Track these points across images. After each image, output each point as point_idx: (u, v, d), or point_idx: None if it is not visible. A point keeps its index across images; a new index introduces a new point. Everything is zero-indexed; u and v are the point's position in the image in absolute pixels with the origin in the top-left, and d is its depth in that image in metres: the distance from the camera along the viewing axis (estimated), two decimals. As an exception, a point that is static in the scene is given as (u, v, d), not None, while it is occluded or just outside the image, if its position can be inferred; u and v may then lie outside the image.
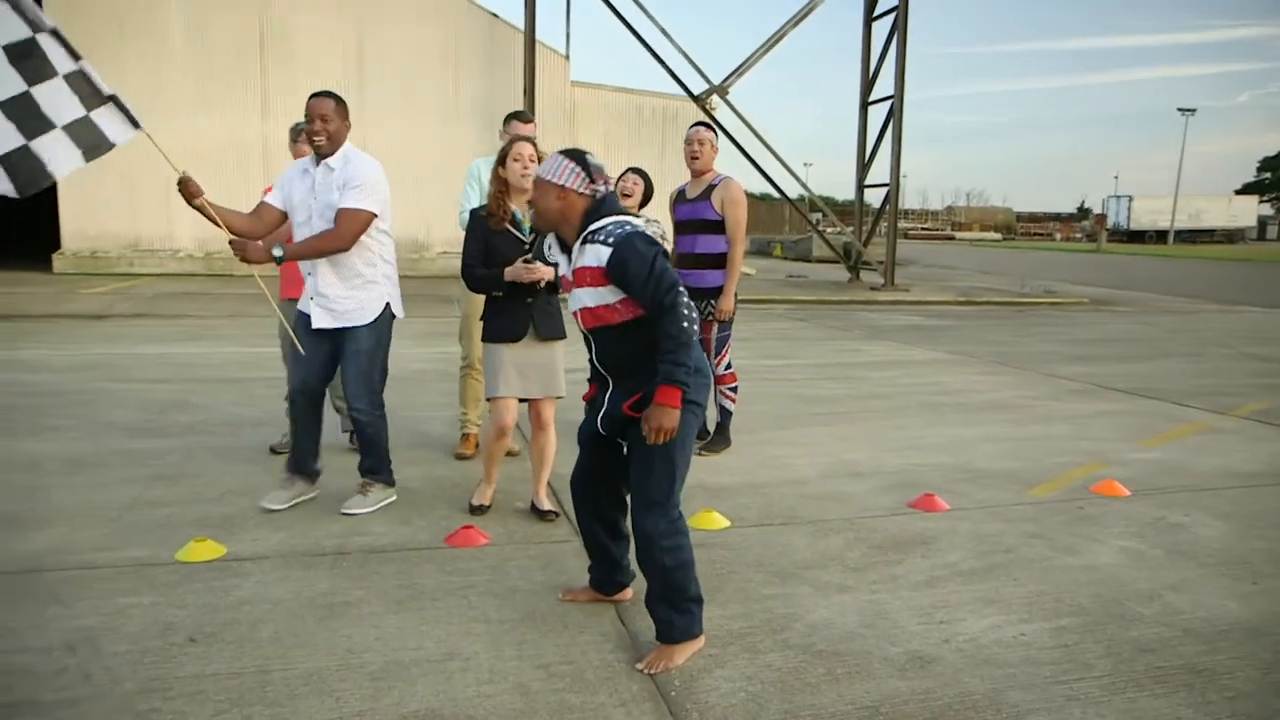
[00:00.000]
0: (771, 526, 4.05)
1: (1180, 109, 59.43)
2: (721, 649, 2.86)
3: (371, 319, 3.98)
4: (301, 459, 4.13)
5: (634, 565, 2.97)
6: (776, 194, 20.83)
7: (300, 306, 4.07)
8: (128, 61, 16.18)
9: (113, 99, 3.72)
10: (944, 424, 6.21)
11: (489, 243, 3.99)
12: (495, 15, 18.46)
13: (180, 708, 2.42)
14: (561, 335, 4.09)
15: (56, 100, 3.56)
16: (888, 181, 18.06)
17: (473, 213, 4.13)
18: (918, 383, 7.85)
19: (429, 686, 2.58)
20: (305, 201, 3.89)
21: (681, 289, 2.68)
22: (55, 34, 3.58)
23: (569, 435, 4.61)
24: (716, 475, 4.84)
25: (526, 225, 3.99)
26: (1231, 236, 62.06)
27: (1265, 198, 76.49)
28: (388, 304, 4.04)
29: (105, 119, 3.68)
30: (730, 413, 5.41)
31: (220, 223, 3.81)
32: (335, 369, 4.09)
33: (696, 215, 5.23)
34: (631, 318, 2.77)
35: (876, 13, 18.50)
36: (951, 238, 66.69)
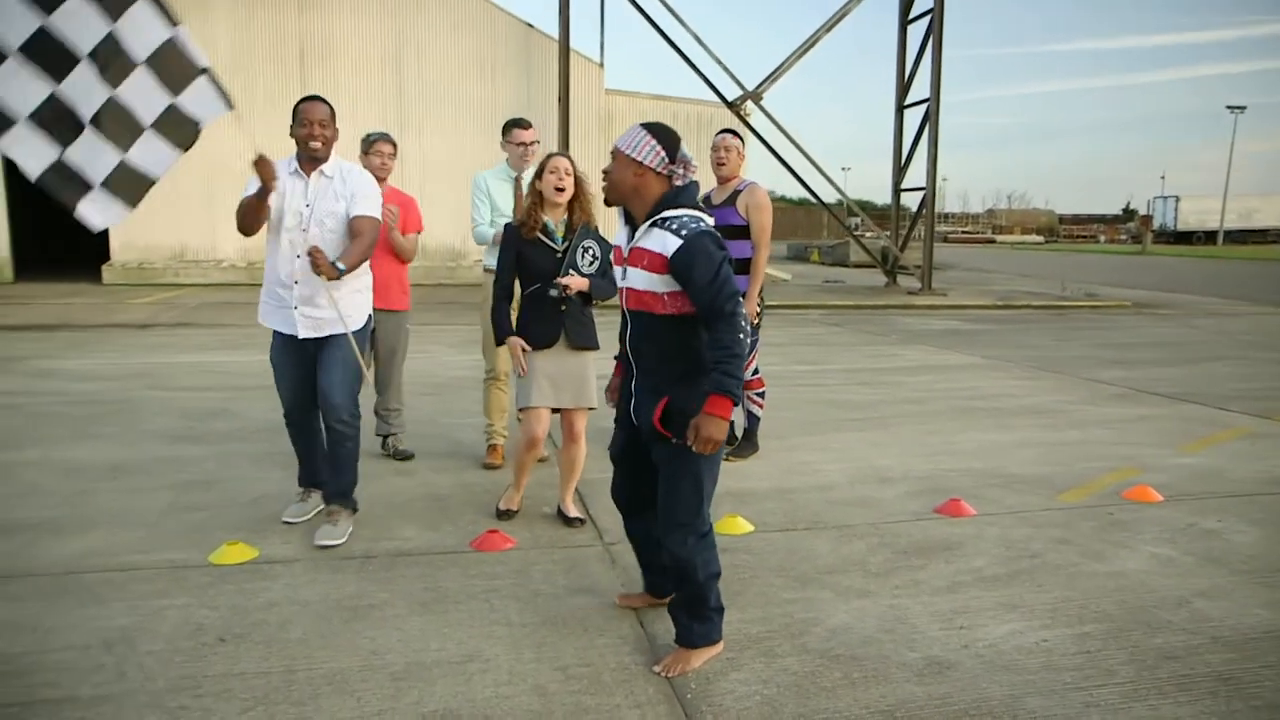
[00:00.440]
0: (795, 532, 4.05)
1: (1229, 106, 58.17)
2: (739, 652, 2.88)
3: (358, 326, 3.92)
4: (312, 473, 4.13)
5: None
6: (813, 199, 20.76)
7: (273, 325, 3.91)
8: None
9: (206, 72, 3.40)
10: (976, 429, 6.15)
11: (521, 252, 4.04)
12: (530, 25, 18.66)
13: (208, 705, 2.50)
14: (593, 345, 4.12)
15: (141, 95, 3.30)
16: (924, 185, 17.91)
17: (506, 225, 4.20)
18: (951, 388, 7.78)
19: (448, 687, 2.63)
20: (297, 208, 3.76)
21: (741, 300, 2.65)
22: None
23: (600, 442, 4.67)
24: (743, 481, 4.85)
25: (559, 235, 4.04)
26: (1287, 236, 60.45)
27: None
28: (370, 314, 4.05)
29: (194, 98, 3.40)
30: (758, 418, 5.41)
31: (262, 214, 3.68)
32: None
33: (722, 221, 5.24)
34: (675, 313, 2.73)
35: (911, 15, 18.37)
36: (992, 241, 65.78)
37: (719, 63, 17.41)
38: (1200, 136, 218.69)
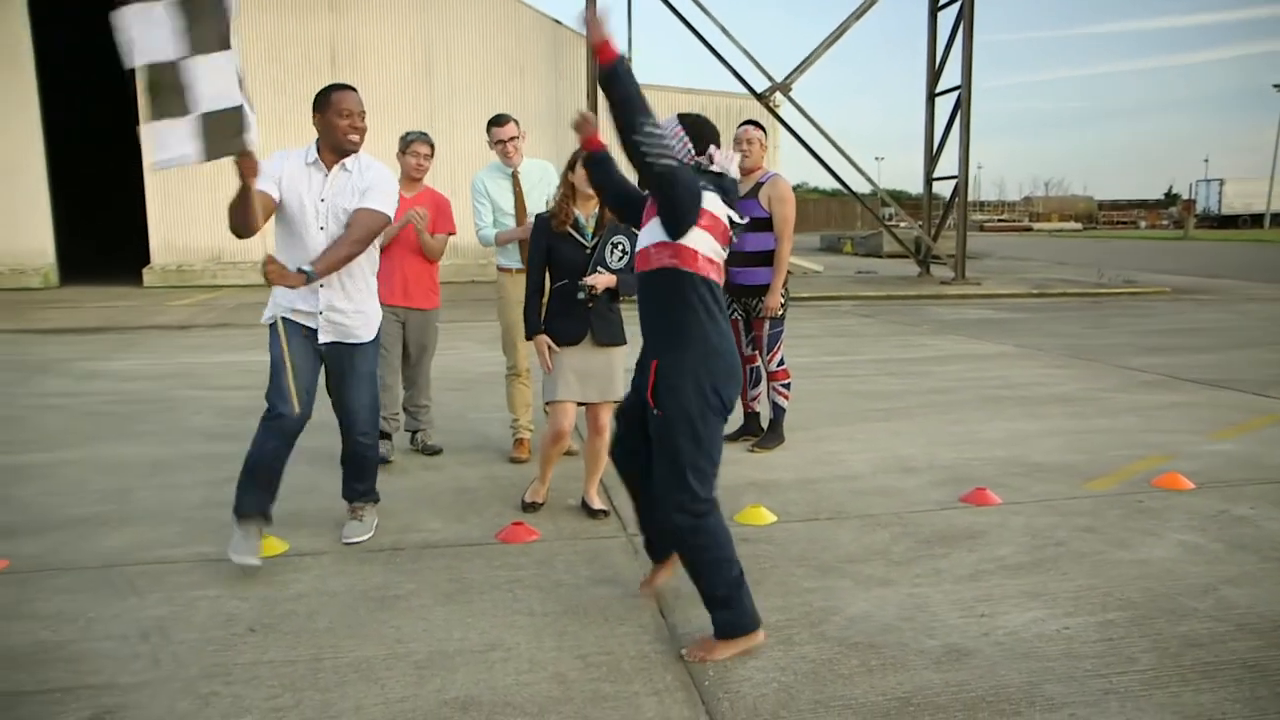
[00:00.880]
0: (818, 521, 4.07)
1: (1276, 85, 56.72)
2: (757, 641, 2.90)
3: (375, 333, 3.71)
4: (268, 499, 3.60)
5: None
6: (845, 190, 20.62)
7: (284, 314, 3.54)
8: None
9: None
10: (1004, 418, 6.11)
11: (550, 245, 4.07)
12: (558, 22, 18.74)
13: (238, 692, 2.58)
14: (620, 341, 4.15)
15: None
16: (957, 174, 17.70)
17: (537, 216, 4.22)
18: (981, 377, 7.72)
19: (470, 675, 2.69)
20: (313, 203, 3.47)
21: (665, 159, 2.64)
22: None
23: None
24: (768, 471, 4.87)
25: (589, 230, 4.07)
26: (1340, 218, 58.78)
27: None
28: (379, 327, 3.76)
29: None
30: (783, 410, 5.42)
31: (255, 213, 3.26)
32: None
33: (745, 213, 5.23)
34: (656, 266, 2.78)
35: (941, 2, 18.17)
36: (1029, 229, 64.75)
37: (747, 55, 17.35)
38: (1245, 117, 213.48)
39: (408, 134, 5.07)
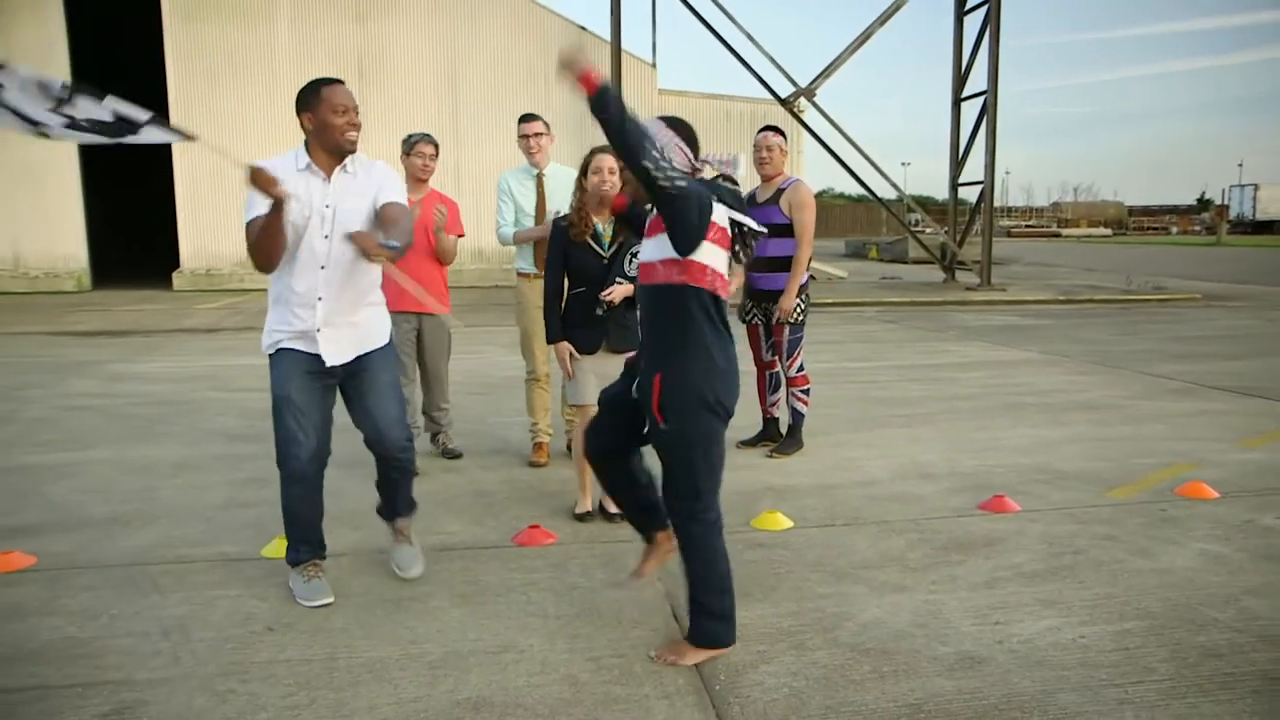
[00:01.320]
0: (834, 527, 4.06)
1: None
2: (769, 645, 2.90)
3: (387, 339, 3.38)
4: (319, 535, 3.40)
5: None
6: (870, 196, 20.53)
7: (287, 344, 3.20)
8: (244, 93, 17.24)
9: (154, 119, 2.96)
10: (1026, 425, 6.05)
11: (567, 253, 4.07)
12: (583, 28, 18.84)
13: (254, 689, 2.62)
14: (636, 348, 4.16)
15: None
16: (983, 179, 17.57)
17: (554, 221, 4.23)
18: (1005, 384, 7.66)
19: (483, 676, 2.71)
20: (317, 211, 3.14)
21: (678, 181, 2.62)
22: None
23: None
24: (786, 477, 4.86)
25: (606, 240, 4.07)
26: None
27: None
28: (390, 331, 3.45)
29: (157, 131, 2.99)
30: (803, 415, 5.40)
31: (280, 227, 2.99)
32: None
33: (766, 219, 5.24)
34: (665, 281, 2.77)
35: (968, 6, 18.06)
36: (1057, 234, 64.11)
37: (771, 60, 17.34)
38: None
39: (411, 135, 5.04)
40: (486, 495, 4.58)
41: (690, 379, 2.74)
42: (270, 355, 3.25)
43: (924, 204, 27.41)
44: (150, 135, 2.91)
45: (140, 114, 2.91)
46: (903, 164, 69.12)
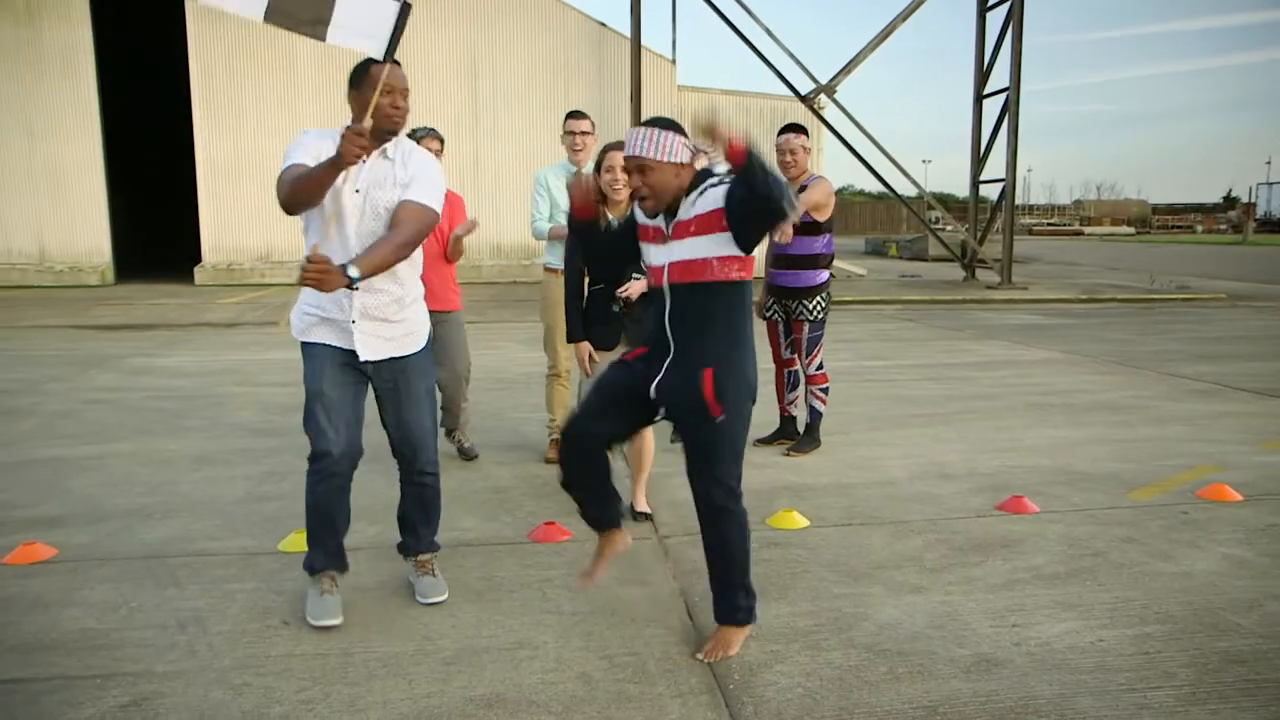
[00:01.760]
0: (851, 527, 4.03)
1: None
2: (784, 645, 2.89)
3: (425, 343, 3.20)
4: (339, 547, 3.20)
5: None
6: (890, 193, 20.41)
7: (318, 338, 3.05)
8: (265, 90, 17.36)
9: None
10: (1047, 425, 6.00)
11: (588, 254, 4.06)
12: (603, 24, 18.81)
13: (269, 683, 2.64)
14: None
15: None
16: (1004, 177, 17.43)
17: (569, 218, 4.22)
18: (1025, 383, 7.59)
19: (497, 673, 2.71)
20: (348, 195, 2.94)
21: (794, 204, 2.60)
22: None
23: (661, 436, 4.72)
24: (802, 476, 4.84)
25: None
26: None
27: None
28: (429, 331, 3.27)
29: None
30: (820, 414, 5.37)
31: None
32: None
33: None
34: (722, 279, 2.74)
35: (991, 2, 17.91)
36: (1080, 233, 63.48)
37: (792, 56, 17.27)
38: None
39: (416, 130, 4.91)
40: (502, 491, 4.59)
41: (746, 373, 2.83)
42: (303, 345, 3.08)
43: (944, 202, 27.20)
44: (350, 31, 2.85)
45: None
46: (923, 161, 69.06)
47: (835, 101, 17.50)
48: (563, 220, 5.10)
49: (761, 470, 4.84)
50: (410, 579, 3.34)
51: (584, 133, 5.05)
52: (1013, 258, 17.63)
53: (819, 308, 5.25)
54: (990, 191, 18.82)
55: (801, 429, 5.43)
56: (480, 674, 2.71)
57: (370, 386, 3.13)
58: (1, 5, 17.04)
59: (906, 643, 2.91)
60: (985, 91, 18.10)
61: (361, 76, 2.95)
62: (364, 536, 3.86)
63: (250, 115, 17.60)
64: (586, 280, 4.14)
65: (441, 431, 5.29)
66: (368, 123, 2.80)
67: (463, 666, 2.75)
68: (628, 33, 17.27)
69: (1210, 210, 78.95)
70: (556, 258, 5.15)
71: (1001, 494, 4.45)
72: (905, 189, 18.52)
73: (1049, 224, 70.31)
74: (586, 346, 4.08)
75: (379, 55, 2.89)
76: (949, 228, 23.26)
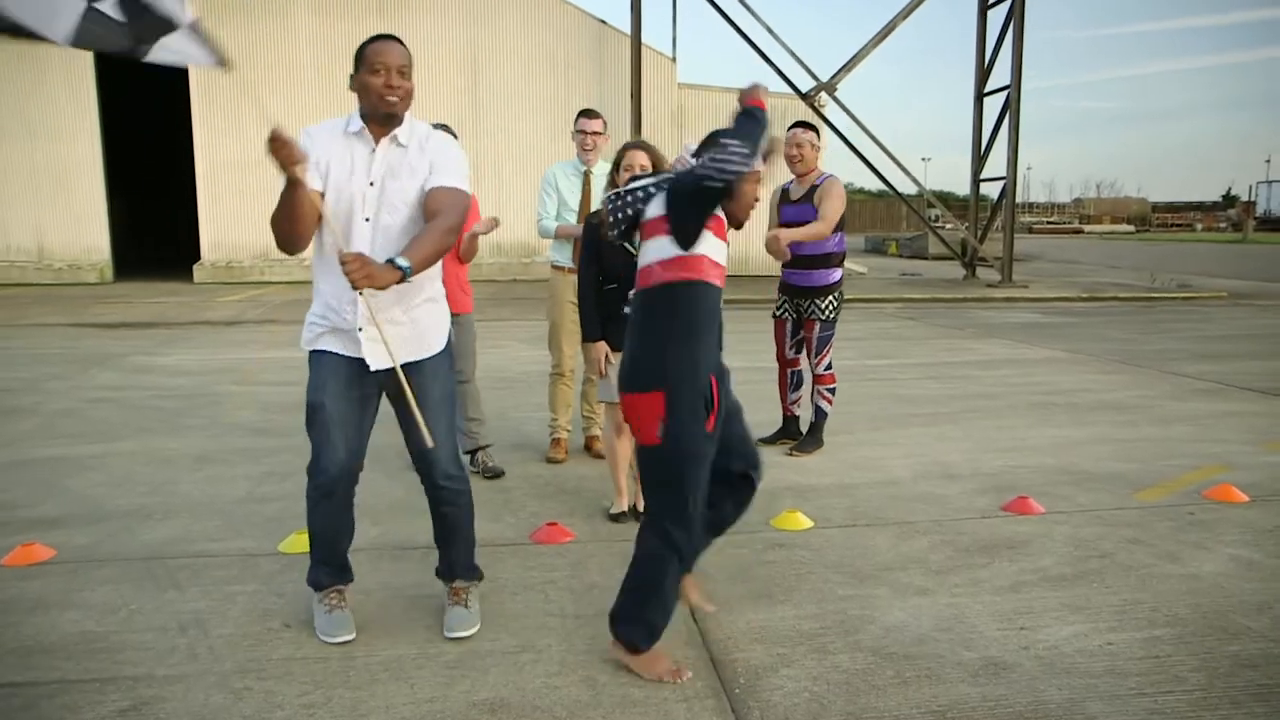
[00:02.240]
0: (856, 528, 4.01)
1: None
2: (790, 648, 2.86)
3: (445, 344, 2.98)
4: (344, 563, 3.05)
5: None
6: (890, 191, 20.38)
7: (320, 346, 2.87)
8: (266, 87, 17.32)
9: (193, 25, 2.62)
10: (1051, 425, 5.97)
11: (599, 250, 4.04)
12: (603, 21, 18.77)
13: (270, 687, 2.61)
14: None
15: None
16: (1005, 175, 17.40)
17: (587, 222, 4.19)
18: (1028, 382, 7.56)
19: (500, 676, 2.69)
20: (360, 187, 2.74)
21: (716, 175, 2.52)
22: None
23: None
24: (806, 476, 4.81)
25: (638, 238, 4.02)
26: None
27: None
28: (450, 332, 3.07)
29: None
30: (826, 414, 5.34)
31: (298, 213, 2.66)
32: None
33: (802, 217, 5.17)
34: (658, 282, 2.68)
35: (992, 0, 17.86)
36: (1080, 231, 63.48)
37: (792, 54, 17.23)
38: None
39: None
40: (504, 491, 4.56)
41: (686, 397, 2.72)
42: (310, 354, 2.88)
43: (944, 200, 27.17)
44: (171, 51, 2.57)
45: (182, 13, 2.54)
46: (923, 159, 68.98)
47: (836, 99, 17.46)
48: (570, 219, 5.06)
49: (765, 470, 4.80)
50: (445, 609, 3.06)
51: (595, 133, 5.01)
52: (1013, 256, 17.61)
53: (831, 307, 5.23)
54: (990, 189, 18.81)
55: (805, 428, 5.41)
56: (483, 678, 2.68)
57: (383, 396, 2.95)
58: (0, 2, 16.99)
59: (913, 646, 2.88)
60: (986, 89, 18.07)
61: (358, 56, 2.76)
62: (365, 537, 3.82)
63: (250, 112, 17.52)
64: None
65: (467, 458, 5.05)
66: (277, 126, 2.49)
67: (466, 670, 2.72)
68: (628, 30, 17.22)
69: (1210, 208, 78.96)
70: (563, 256, 5.12)
71: (1006, 494, 4.42)
72: (905, 187, 18.51)
73: (1049, 222, 70.29)
74: (603, 347, 4.04)
75: (210, 63, 2.64)
76: (949, 226, 23.22)
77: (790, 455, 5.21)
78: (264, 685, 2.62)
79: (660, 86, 18.41)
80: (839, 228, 5.19)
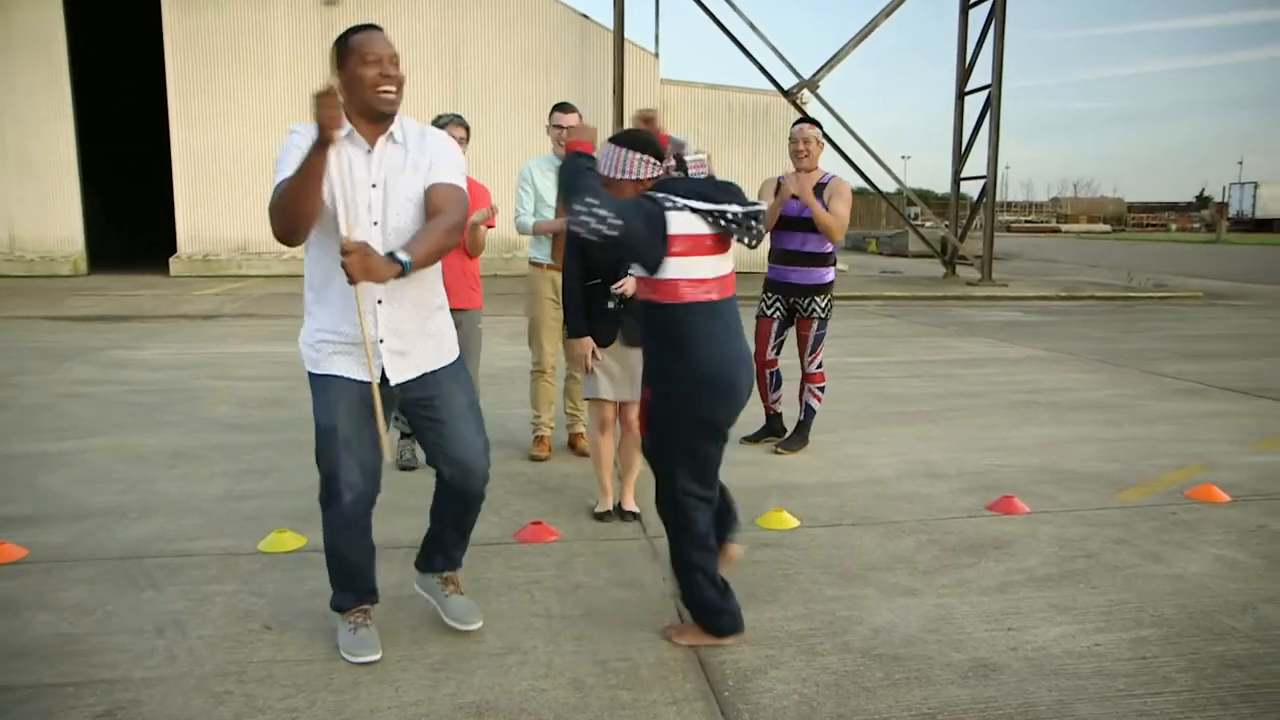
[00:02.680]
0: (842, 527, 3.99)
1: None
2: (779, 650, 2.84)
3: (458, 353, 2.86)
4: (370, 582, 2.92)
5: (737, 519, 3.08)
6: (871, 189, 20.42)
7: (332, 370, 2.66)
8: (243, 79, 17.11)
9: None
10: (1034, 424, 5.99)
11: (585, 243, 3.99)
12: (586, 16, 18.67)
13: (251, 691, 2.56)
14: None
15: None
16: (985, 174, 17.49)
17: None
18: (1010, 381, 7.60)
19: (486, 679, 2.65)
20: (363, 191, 2.58)
21: (586, 214, 2.56)
22: None
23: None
24: (791, 474, 4.80)
25: None
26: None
27: None
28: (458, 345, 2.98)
29: None
30: (814, 412, 5.32)
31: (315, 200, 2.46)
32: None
33: (805, 213, 5.13)
34: (639, 296, 2.83)
35: (973, 0, 17.93)
36: (1057, 230, 64.01)
37: (775, 51, 17.21)
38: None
39: (441, 116, 4.73)
40: (488, 488, 4.49)
41: (674, 400, 2.82)
42: (311, 376, 2.69)
43: (924, 198, 27.30)
44: None
45: None
46: (902, 157, 69.22)
47: (818, 97, 17.47)
48: (548, 214, 5.01)
49: (749, 468, 4.80)
50: (431, 596, 2.99)
51: (571, 127, 4.94)
52: (993, 254, 17.71)
53: (828, 305, 5.22)
54: (970, 188, 18.90)
55: (792, 426, 5.39)
56: (469, 680, 2.64)
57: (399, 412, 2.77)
58: (-30, -12, 16.69)
59: (902, 647, 2.87)
60: (967, 88, 18.15)
61: (343, 50, 2.56)
62: (347, 536, 3.78)
63: (227, 105, 17.33)
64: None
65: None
66: (334, 82, 2.45)
67: (451, 672, 2.68)
68: (610, 25, 17.15)
69: (1184, 209, 79.88)
70: (541, 252, 5.07)
71: (991, 493, 4.43)
72: (885, 184, 18.59)
73: (1027, 221, 70.86)
74: (589, 343, 4.00)
75: None
76: (928, 224, 23.35)
77: (776, 453, 5.19)
78: (245, 689, 2.57)
79: (643, 82, 18.34)
80: None
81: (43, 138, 17.15)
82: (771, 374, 5.42)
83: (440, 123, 4.66)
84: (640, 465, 4.14)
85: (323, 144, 2.33)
